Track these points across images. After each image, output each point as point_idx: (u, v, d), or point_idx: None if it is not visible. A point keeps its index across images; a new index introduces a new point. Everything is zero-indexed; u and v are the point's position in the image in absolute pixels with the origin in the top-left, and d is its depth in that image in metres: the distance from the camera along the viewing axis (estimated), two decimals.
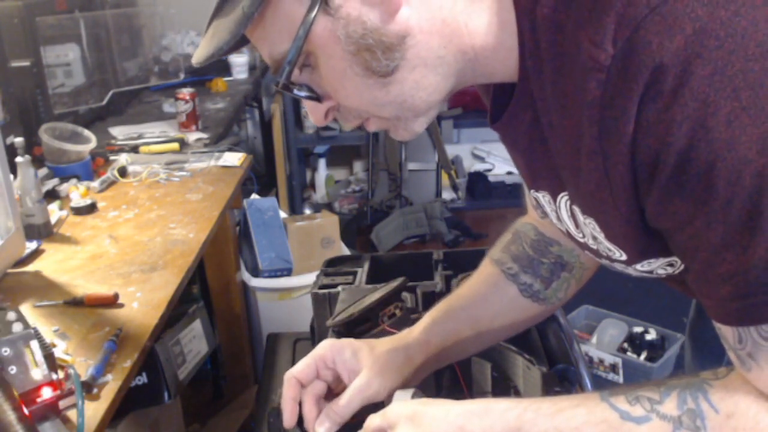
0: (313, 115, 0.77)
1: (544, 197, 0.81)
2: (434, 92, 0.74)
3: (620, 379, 2.54)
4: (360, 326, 1.05)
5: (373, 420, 0.82)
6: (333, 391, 0.94)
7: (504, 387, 1.02)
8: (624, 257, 0.75)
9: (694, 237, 0.63)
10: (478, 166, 4.19)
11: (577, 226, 0.78)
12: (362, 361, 0.92)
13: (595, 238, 0.76)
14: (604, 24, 0.62)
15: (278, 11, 0.69)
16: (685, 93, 0.59)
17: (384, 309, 1.04)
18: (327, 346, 0.94)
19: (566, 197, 0.76)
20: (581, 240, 0.80)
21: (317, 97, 0.74)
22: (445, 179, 3.72)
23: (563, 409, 0.73)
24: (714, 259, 0.63)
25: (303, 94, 0.74)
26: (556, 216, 0.81)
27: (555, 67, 0.67)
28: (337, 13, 0.68)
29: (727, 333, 0.67)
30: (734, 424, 0.66)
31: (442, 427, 0.77)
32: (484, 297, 1.01)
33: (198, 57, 0.72)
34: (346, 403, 0.89)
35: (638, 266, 0.76)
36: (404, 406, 0.82)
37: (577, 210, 0.76)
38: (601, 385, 2.55)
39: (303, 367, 0.93)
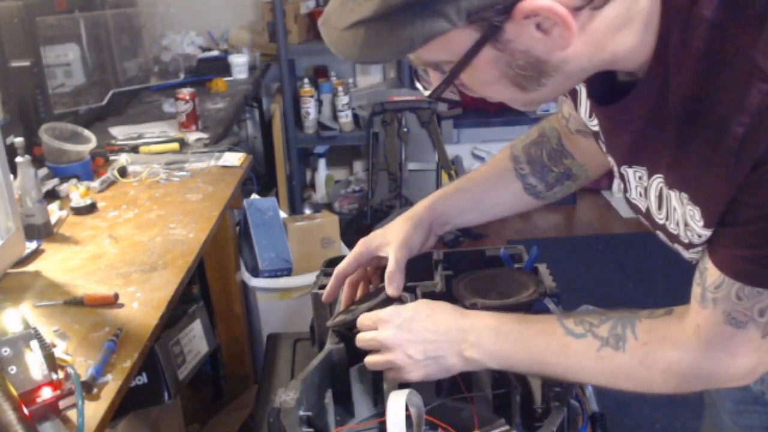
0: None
1: (636, 173, 0.88)
2: (563, 91, 0.85)
3: None
4: None
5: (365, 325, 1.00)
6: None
7: (504, 387, 1.02)
8: (708, 238, 0.81)
9: (755, 215, 0.73)
10: (478, 166, 4.18)
11: (660, 207, 0.86)
12: (387, 237, 1.11)
13: (682, 224, 0.82)
14: None
15: (444, 38, 0.70)
16: None
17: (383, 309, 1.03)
18: (360, 243, 1.14)
19: (660, 179, 0.83)
20: (659, 221, 0.87)
21: (460, 104, 0.83)
22: (445, 179, 3.71)
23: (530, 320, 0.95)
24: (759, 232, 0.74)
25: (450, 99, 0.83)
26: (642, 191, 0.88)
27: (704, 64, 0.72)
28: (505, 48, 0.72)
29: (711, 276, 0.80)
30: (646, 349, 0.85)
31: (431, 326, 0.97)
32: (492, 185, 1.18)
33: (348, 56, 0.73)
34: (395, 262, 1.07)
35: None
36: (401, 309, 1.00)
37: (673, 195, 0.82)
38: None
39: (345, 264, 1.13)
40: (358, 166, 4.17)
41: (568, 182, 1.14)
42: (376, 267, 1.17)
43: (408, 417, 0.91)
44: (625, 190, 0.93)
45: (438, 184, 3.70)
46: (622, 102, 0.82)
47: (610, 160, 0.93)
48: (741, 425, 1.16)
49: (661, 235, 0.89)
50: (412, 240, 1.10)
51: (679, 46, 0.73)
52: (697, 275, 0.83)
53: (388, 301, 1.04)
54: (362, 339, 1.00)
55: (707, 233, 0.80)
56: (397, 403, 0.91)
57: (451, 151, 3.77)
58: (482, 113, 3.82)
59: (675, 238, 0.86)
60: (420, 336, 0.95)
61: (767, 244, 0.74)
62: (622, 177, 0.91)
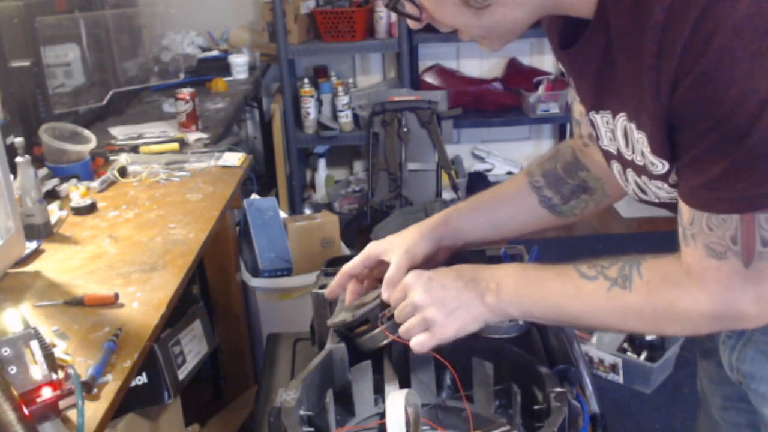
0: (412, 24, 0.90)
1: (603, 117, 0.92)
2: (518, 24, 0.88)
3: (620, 379, 2.54)
4: (359, 327, 1.05)
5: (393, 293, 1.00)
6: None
7: (504, 386, 1.02)
8: (665, 169, 0.85)
9: (694, 138, 0.78)
10: (478, 166, 4.18)
11: (627, 144, 0.89)
12: (395, 243, 1.10)
13: (643, 154, 0.87)
14: None
15: None
16: (727, 25, 0.71)
17: (383, 310, 1.04)
18: (369, 245, 1.12)
19: (624, 116, 0.88)
20: (629, 157, 0.90)
21: (418, 19, 0.88)
22: (445, 179, 3.71)
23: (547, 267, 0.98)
24: (702, 156, 0.78)
25: (407, 13, 0.88)
26: (611, 135, 0.92)
27: None
28: None
29: (685, 213, 0.84)
30: (650, 287, 0.88)
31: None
32: (507, 198, 1.18)
33: None
34: (396, 268, 1.05)
35: (671, 178, 0.86)
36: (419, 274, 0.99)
37: (632, 127, 0.87)
38: (602, 385, 2.55)
39: (352, 263, 1.12)
40: (358, 166, 4.17)
41: (585, 196, 1.15)
42: (381, 271, 1.16)
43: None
44: (597, 138, 0.96)
45: (438, 184, 3.70)
46: (578, 44, 0.88)
47: (582, 110, 0.98)
48: (728, 422, 1.17)
49: (630, 173, 0.92)
50: (417, 248, 1.10)
51: None
52: (678, 217, 0.86)
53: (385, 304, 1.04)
54: (399, 310, 1.00)
55: (657, 162, 0.85)
56: (397, 403, 0.91)
57: (451, 151, 3.77)
58: (482, 113, 3.81)
59: (642, 169, 0.89)
60: (448, 285, 0.98)
61: (711, 167, 0.77)
62: (592, 125, 0.95)
